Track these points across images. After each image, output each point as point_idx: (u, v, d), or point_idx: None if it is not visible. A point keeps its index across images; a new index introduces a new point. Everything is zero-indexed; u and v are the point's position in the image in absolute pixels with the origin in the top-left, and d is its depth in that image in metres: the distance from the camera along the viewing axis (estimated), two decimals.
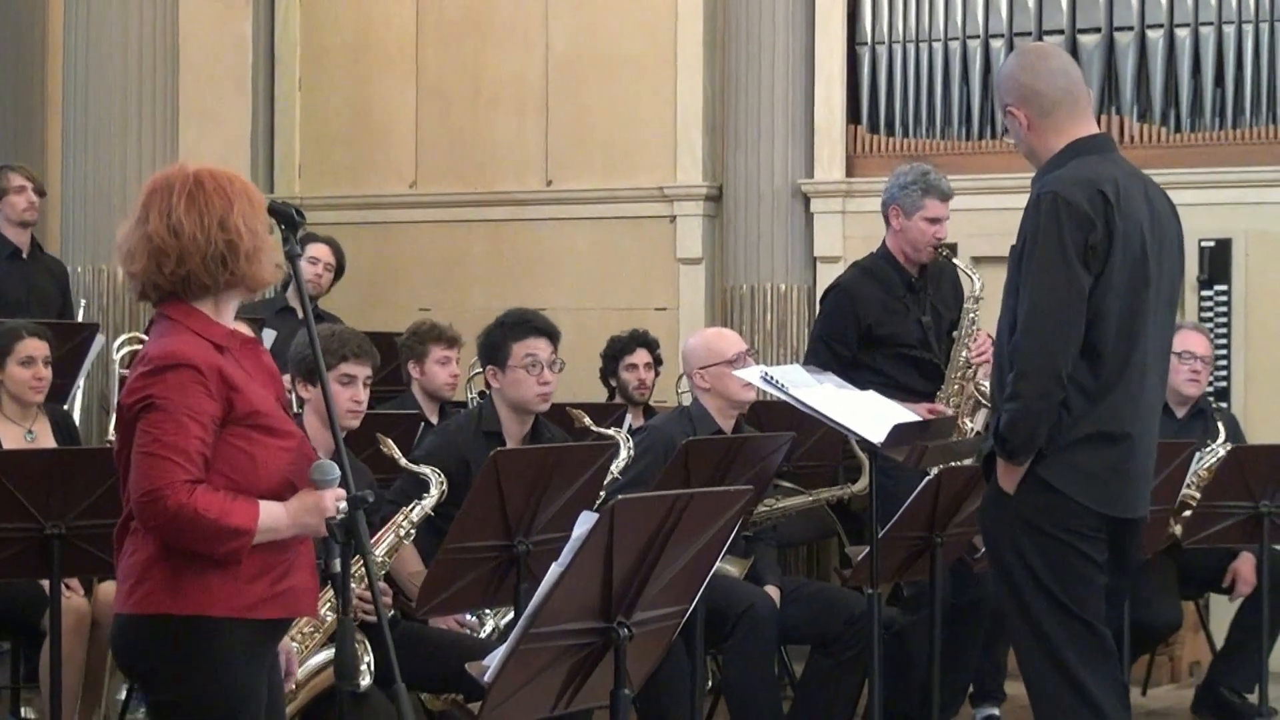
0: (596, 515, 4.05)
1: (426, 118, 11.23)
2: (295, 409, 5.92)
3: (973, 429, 7.13)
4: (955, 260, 7.25)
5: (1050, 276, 5.01)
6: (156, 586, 4.20)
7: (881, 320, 7.16)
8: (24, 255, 8.74)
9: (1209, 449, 7.66)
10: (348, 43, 11.43)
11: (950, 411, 7.12)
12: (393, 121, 11.29)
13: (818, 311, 7.44)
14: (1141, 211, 5.12)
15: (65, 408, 7.72)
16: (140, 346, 7.99)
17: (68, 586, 6.46)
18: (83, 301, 9.26)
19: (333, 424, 4.41)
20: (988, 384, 7.01)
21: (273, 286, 8.08)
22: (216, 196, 4.28)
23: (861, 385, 6.97)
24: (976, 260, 8.21)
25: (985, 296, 7.21)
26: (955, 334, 7.28)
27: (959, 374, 7.20)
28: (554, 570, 4.06)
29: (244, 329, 4.48)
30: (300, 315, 8.46)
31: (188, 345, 4.22)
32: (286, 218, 4.36)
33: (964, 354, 7.20)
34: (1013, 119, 5.25)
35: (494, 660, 4.14)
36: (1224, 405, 9.01)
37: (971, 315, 7.25)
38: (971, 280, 7.28)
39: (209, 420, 4.17)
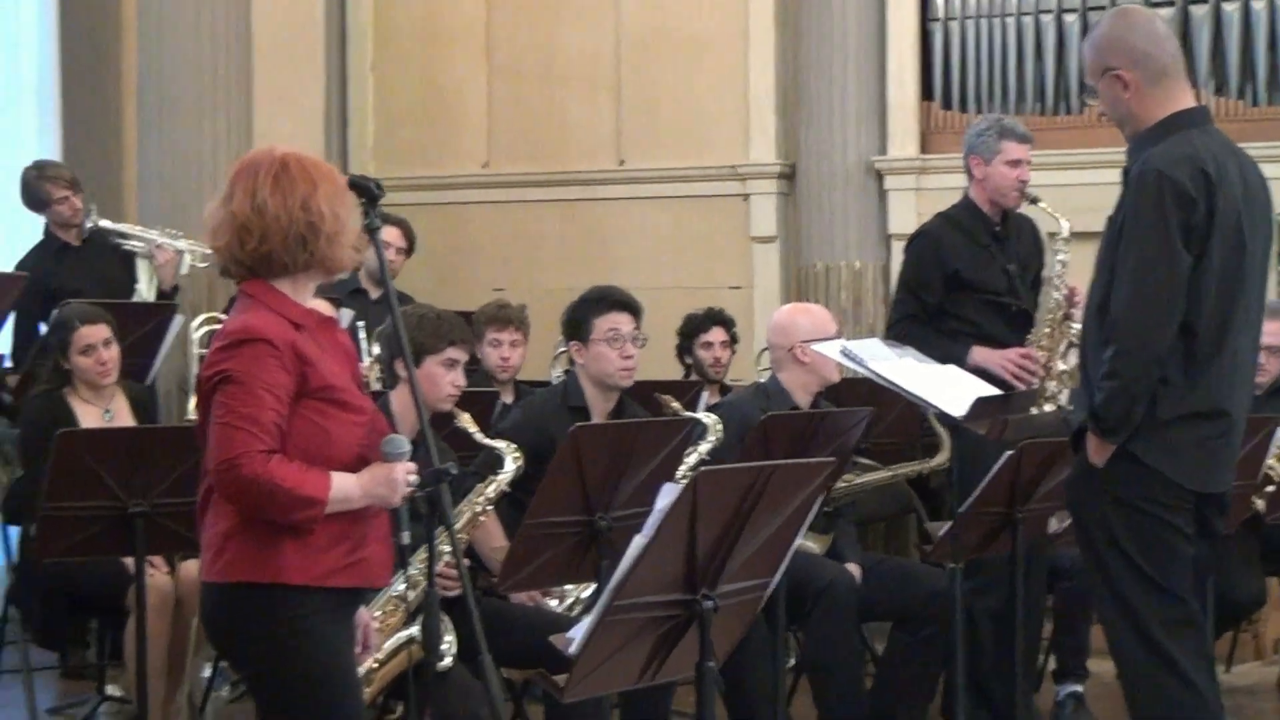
0: (680, 487, 4.04)
1: (498, 98, 11.25)
2: (386, 386, 5.96)
3: (1065, 370, 7.05)
4: (1042, 203, 7.18)
5: (1152, 257, 4.97)
6: (236, 555, 4.31)
7: (968, 265, 7.10)
8: (75, 244, 8.75)
9: None
10: (419, 23, 11.45)
11: (1040, 355, 7.05)
12: (465, 102, 11.31)
13: (903, 260, 7.38)
14: (1236, 188, 5.08)
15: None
16: (219, 327, 8.14)
17: (151, 564, 6.49)
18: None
19: (417, 402, 4.42)
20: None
21: None
22: (301, 178, 4.38)
23: (948, 333, 6.95)
24: (1049, 236, 8.13)
25: (1072, 239, 7.16)
26: (1044, 274, 7.21)
27: (1050, 316, 7.13)
28: (638, 542, 4.06)
29: (324, 307, 4.52)
30: (373, 297, 8.52)
31: (263, 320, 4.33)
32: (366, 191, 4.52)
33: (1055, 295, 7.13)
34: (1115, 83, 5.15)
35: (578, 633, 4.14)
36: None
37: (1061, 257, 7.18)
38: (1058, 221, 7.21)
39: (283, 393, 4.28)
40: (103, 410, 7.00)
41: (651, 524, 4.05)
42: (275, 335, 4.29)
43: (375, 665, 5.38)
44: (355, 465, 4.36)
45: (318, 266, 4.41)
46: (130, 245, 8.82)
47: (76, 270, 8.54)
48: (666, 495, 4.06)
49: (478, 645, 4.51)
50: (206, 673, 7.22)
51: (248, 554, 4.29)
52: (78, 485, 5.90)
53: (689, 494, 4.04)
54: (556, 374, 8.43)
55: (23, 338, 8.32)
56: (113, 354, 6.99)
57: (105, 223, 8.79)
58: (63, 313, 7.09)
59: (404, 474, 4.35)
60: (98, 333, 6.97)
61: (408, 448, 4.38)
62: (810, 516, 4.46)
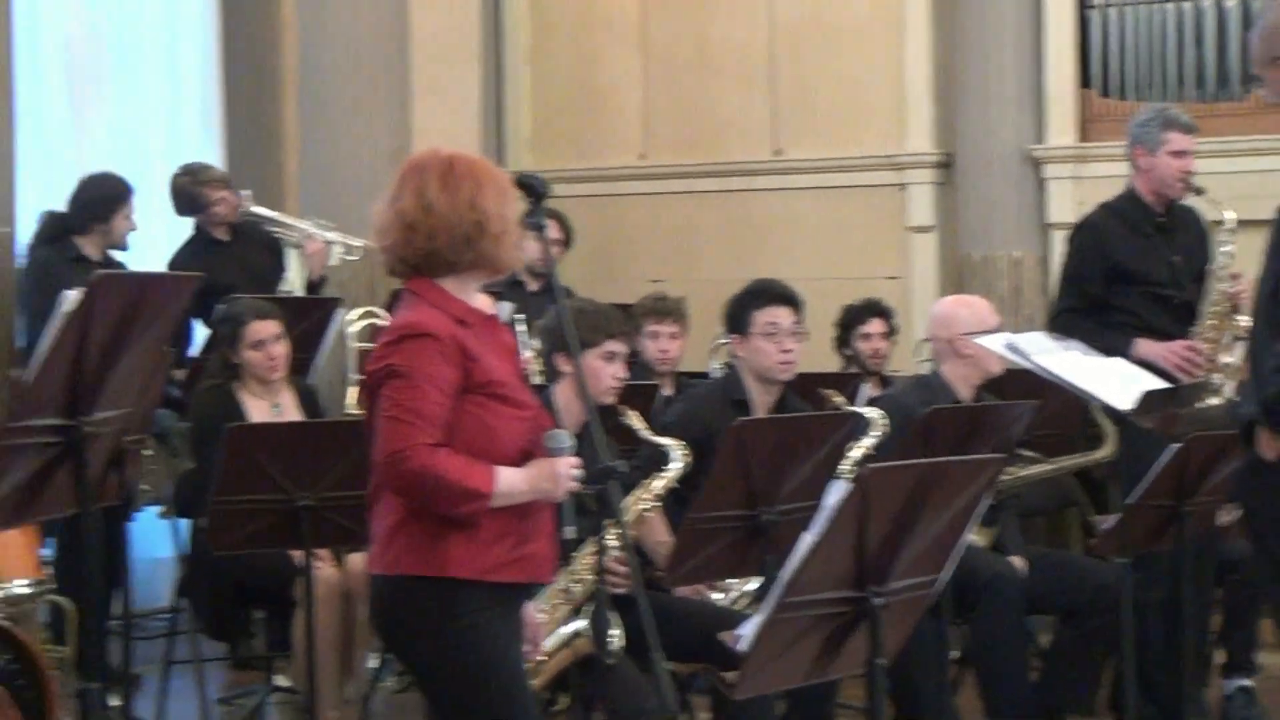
0: (848, 484, 4.05)
1: (654, 89, 11.26)
2: (548, 381, 5.99)
3: (1230, 363, 6.97)
4: (1207, 193, 7.10)
5: None
6: (403, 548, 4.38)
7: (1131, 257, 7.05)
8: (225, 239, 8.81)
9: None
10: (574, 14, 11.49)
11: (1204, 348, 6.97)
12: (621, 93, 11.33)
13: (1065, 252, 7.33)
14: None
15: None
16: (375, 320, 8.23)
17: (318, 557, 6.57)
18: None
19: (585, 396, 4.45)
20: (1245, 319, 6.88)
21: None
22: (468, 178, 4.44)
23: (1112, 326, 6.89)
24: (1214, 226, 8.04)
25: (1237, 229, 7.07)
26: (1209, 266, 7.12)
27: (1215, 308, 7.05)
28: (807, 539, 4.07)
29: (486, 304, 4.57)
30: (531, 289, 8.57)
31: (428, 316, 4.40)
32: (532, 189, 4.55)
33: (1220, 287, 7.05)
34: None
35: (748, 629, 4.16)
36: None
37: (1226, 248, 7.10)
38: (1222, 212, 7.13)
39: (448, 386, 4.34)
40: (271, 404, 7.09)
41: (821, 521, 4.06)
42: (440, 330, 4.36)
43: (543, 658, 5.42)
44: (519, 461, 4.40)
45: (483, 266, 4.47)
46: (280, 233, 8.91)
47: (228, 264, 8.61)
48: (836, 492, 4.06)
49: (647, 641, 4.54)
50: (373, 663, 7.29)
51: (415, 547, 4.36)
52: (247, 479, 5.99)
53: (858, 491, 4.05)
54: (715, 365, 8.44)
55: (178, 333, 8.42)
56: (283, 349, 7.08)
57: (258, 209, 8.88)
58: (234, 307, 7.18)
59: (567, 468, 4.39)
60: (269, 328, 7.06)
61: (570, 442, 4.41)
62: (979, 513, 4.45)
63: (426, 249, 4.41)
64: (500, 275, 4.63)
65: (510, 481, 4.34)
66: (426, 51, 10.29)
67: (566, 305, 6.13)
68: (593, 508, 4.27)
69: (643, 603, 4.32)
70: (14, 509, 4.54)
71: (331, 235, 8.84)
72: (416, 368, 4.31)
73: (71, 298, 4.47)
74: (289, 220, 8.99)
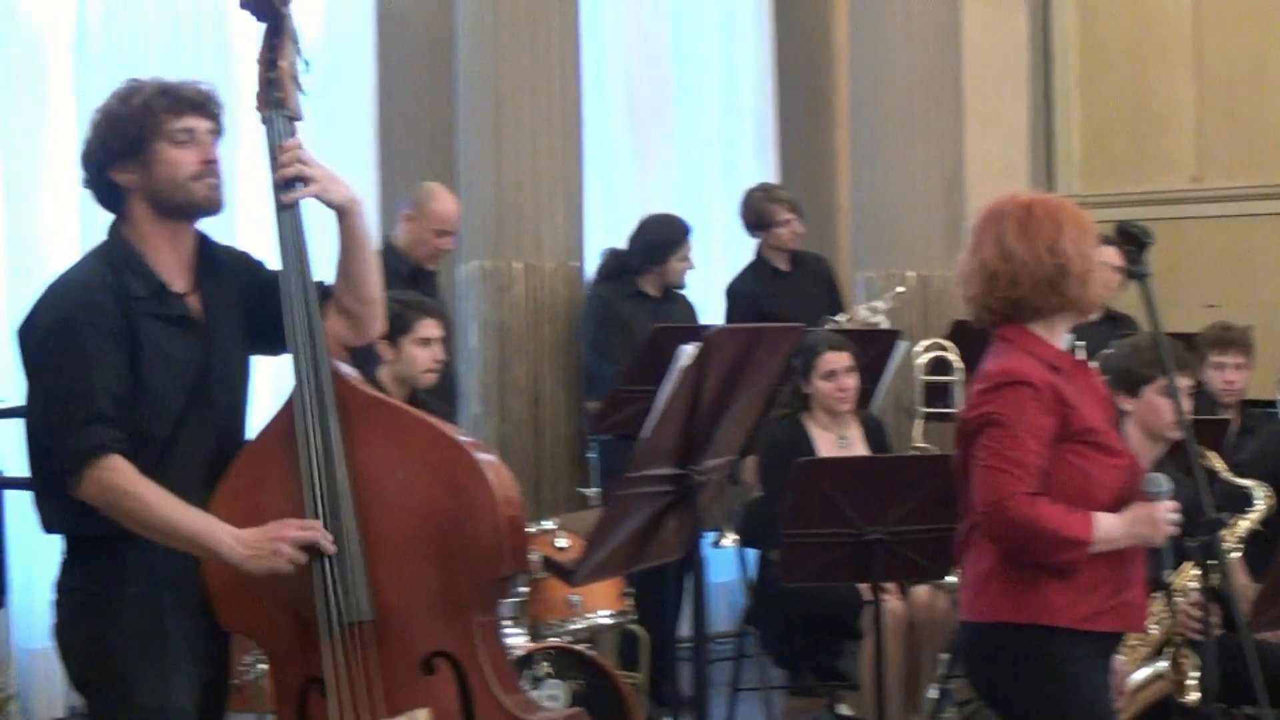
0: None
1: (1208, 109, 10.98)
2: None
3: None
4: None
5: None
6: (997, 596, 4.37)
7: None
8: (784, 269, 8.93)
9: None
10: (1124, 36, 11.28)
11: None
12: (1173, 114, 11.07)
13: None
14: None
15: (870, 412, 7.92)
16: (943, 353, 8.25)
17: (885, 589, 6.62)
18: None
19: (1190, 441, 4.42)
20: None
21: None
22: (1046, 222, 4.42)
23: None
24: None
25: None
26: None
27: None
28: None
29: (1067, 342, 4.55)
30: (1091, 317, 8.44)
31: (1023, 364, 4.37)
32: (1133, 238, 4.51)
33: None
34: None
35: None
36: None
37: None
38: None
39: (1045, 435, 4.31)
40: (838, 437, 7.19)
41: None
42: (1036, 378, 4.34)
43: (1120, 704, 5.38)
44: (1113, 508, 4.36)
45: (1070, 308, 4.46)
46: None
47: (782, 294, 8.73)
48: None
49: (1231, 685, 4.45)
50: (933, 694, 7.31)
51: (1011, 594, 4.35)
52: (817, 512, 6.08)
53: None
54: None
55: None
56: (853, 381, 7.19)
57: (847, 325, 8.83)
58: (809, 338, 7.30)
59: (1166, 513, 4.33)
60: (842, 359, 7.18)
61: (1169, 486, 4.35)
62: None
63: (1010, 297, 4.41)
64: (1088, 316, 4.61)
65: (1109, 528, 4.30)
66: (977, 79, 10.27)
67: (1124, 339, 6.06)
68: (1196, 558, 4.20)
69: (1250, 648, 4.24)
70: (629, 555, 4.74)
71: (879, 317, 8.80)
72: (1014, 416, 4.30)
73: (688, 352, 4.62)
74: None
